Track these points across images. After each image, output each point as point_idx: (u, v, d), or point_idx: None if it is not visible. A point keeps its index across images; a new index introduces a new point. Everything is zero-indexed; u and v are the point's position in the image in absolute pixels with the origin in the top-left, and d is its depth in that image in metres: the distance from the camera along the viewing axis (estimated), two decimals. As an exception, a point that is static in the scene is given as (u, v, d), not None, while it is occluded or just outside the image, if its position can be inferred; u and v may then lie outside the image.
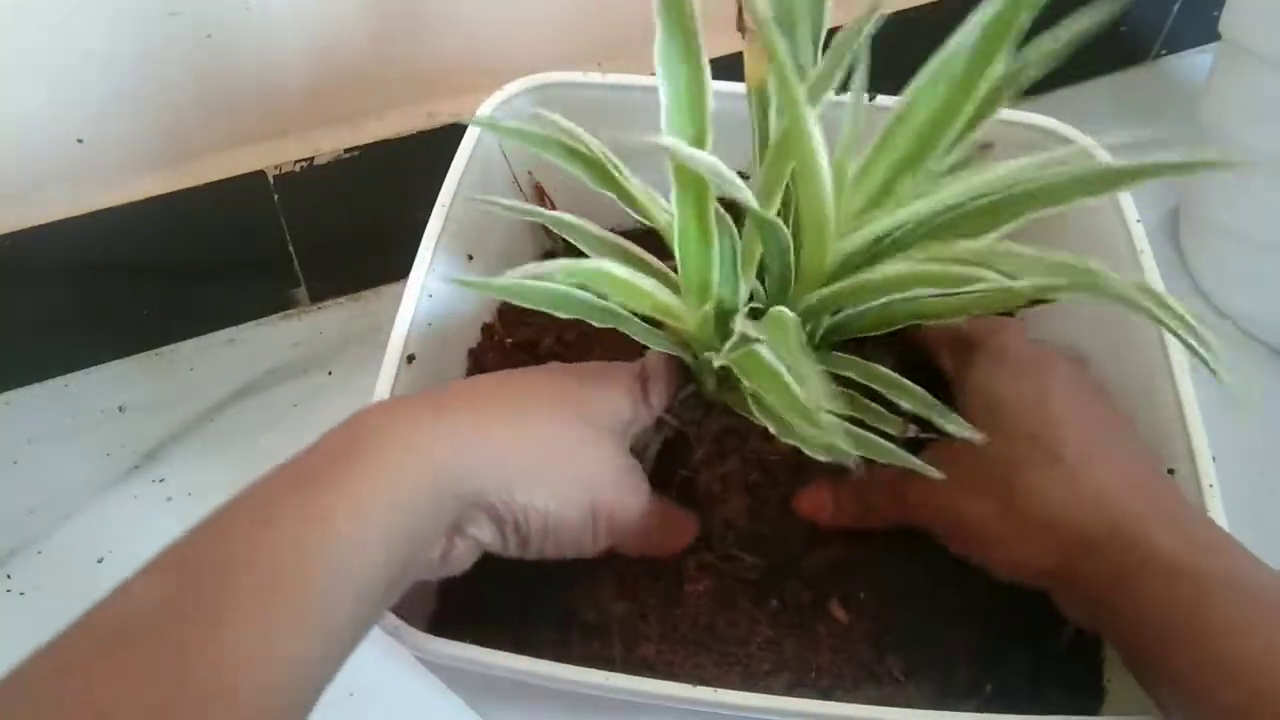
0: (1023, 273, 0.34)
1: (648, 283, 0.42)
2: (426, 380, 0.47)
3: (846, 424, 0.39)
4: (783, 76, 0.34)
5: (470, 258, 0.51)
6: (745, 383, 0.37)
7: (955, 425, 0.40)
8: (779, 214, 0.40)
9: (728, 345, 0.38)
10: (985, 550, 0.39)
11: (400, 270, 0.47)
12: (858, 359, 0.42)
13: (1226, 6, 0.63)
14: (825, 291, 0.40)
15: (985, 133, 0.38)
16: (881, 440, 0.40)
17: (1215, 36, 0.64)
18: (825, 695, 0.35)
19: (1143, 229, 0.48)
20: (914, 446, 0.41)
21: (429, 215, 0.48)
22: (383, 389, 0.42)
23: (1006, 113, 0.52)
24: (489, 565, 0.47)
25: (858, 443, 0.40)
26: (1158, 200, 0.73)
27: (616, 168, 0.42)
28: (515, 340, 0.53)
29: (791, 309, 0.41)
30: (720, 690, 0.35)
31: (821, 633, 0.43)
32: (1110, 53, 0.82)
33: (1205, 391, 0.42)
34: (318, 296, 0.69)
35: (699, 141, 0.41)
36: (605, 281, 0.40)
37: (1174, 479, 0.41)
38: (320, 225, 0.65)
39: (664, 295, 0.42)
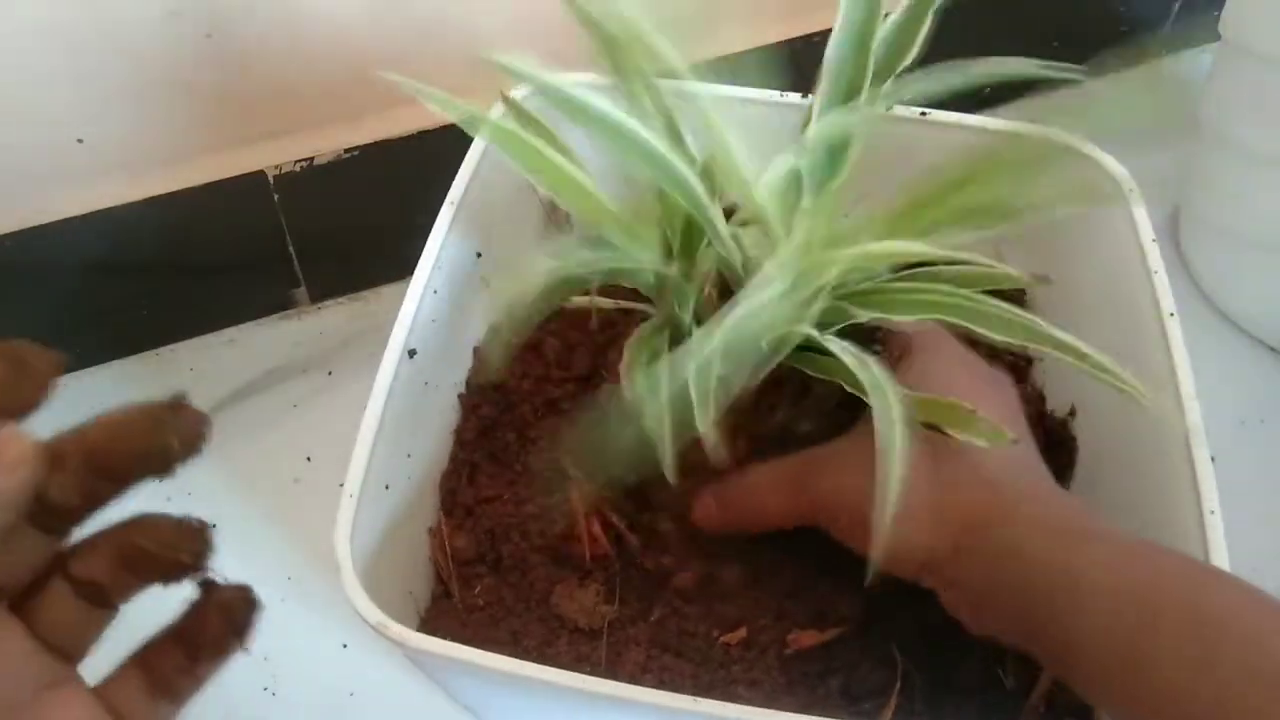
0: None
1: None
2: (428, 375, 0.47)
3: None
4: None
5: (479, 255, 0.51)
6: None
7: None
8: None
9: None
10: (863, 538, 0.37)
11: (400, 270, 0.47)
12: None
13: (1226, 6, 0.63)
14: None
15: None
16: None
17: (1215, 36, 0.64)
18: (804, 709, 0.34)
19: (1158, 250, 0.48)
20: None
21: (429, 215, 0.48)
22: (383, 382, 0.43)
23: (1007, 124, 0.52)
24: (485, 564, 0.47)
25: None
26: (1158, 201, 0.73)
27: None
28: (519, 340, 0.53)
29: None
30: (700, 700, 0.35)
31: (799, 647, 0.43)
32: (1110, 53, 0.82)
33: (1206, 390, 0.42)
34: (318, 296, 0.69)
35: None
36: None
37: (1038, 459, 0.41)
38: (320, 225, 0.65)
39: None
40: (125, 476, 0.29)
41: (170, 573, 0.29)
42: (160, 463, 0.29)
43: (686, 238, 0.42)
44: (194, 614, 0.31)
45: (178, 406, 0.28)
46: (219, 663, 0.31)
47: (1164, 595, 0.33)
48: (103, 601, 0.29)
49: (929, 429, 0.38)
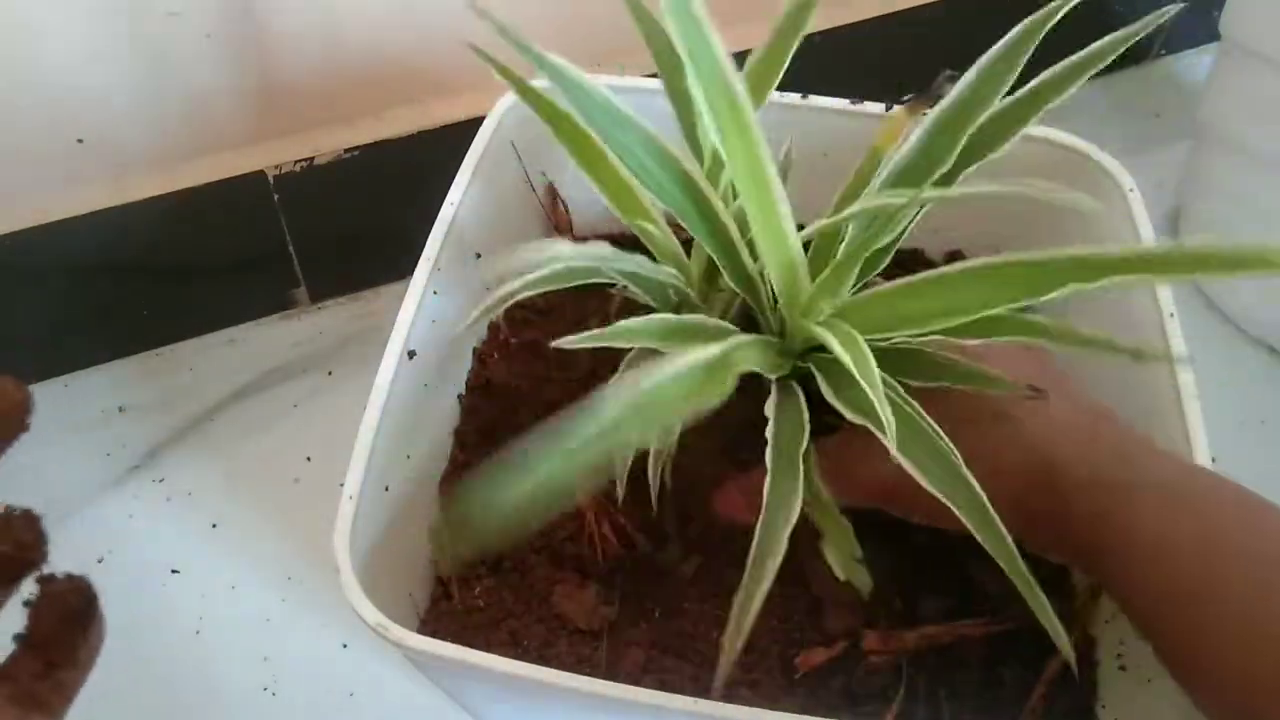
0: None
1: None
2: (428, 376, 0.47)
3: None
4: None
5: (478, 256, 0.51)
6: None
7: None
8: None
9: None
10: (938, 511, 0.38)
11: (400, 270, 0.47)
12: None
13: (1226, 6, 0.63)
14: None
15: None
16: None
17: (1215, 36, 0.64)
18: (805, 711, 0.34)
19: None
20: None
21: (429, 215, 0.48)
22: (383, 383, 0.43)
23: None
24: (485, 565, 0.47)
25: None
26: (1158, 200, 0.73)
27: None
28: (520, 341, 0.54)
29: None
30: (700, 701, 0.35)
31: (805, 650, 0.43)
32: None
33: (1207, 390, 0.42)
34: (318, 296, 0.69)
35: None
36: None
37: (1121, 420, 0.41)
38: (320, 225, 0.65)
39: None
40: None
41: (4, 570, 0.27)
42: None
43: (711, 266, 0.42)
44: (32, 615, 0.28)
45: None
46: (77, 666, 0.29)
47: (1216, 540, 0.34)
48: None
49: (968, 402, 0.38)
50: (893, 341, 0.38)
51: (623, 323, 0.37)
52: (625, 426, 0.30)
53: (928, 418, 0.37)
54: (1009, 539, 0.35)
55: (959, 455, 0.36)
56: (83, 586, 0.29)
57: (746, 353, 0.36)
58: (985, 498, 0.35)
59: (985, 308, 0.35)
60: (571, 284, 0.40)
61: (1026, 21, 0.39)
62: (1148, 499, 0.35)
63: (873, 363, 0.35)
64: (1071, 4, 0.39)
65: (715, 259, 0.39)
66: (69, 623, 0.28)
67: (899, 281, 0.38)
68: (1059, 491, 0.37)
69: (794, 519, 0.35)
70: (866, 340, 0.36)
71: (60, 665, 0.28)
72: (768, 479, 0.35)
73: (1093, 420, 0.39)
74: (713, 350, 0.33)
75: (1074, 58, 0.40)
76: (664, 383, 0.31)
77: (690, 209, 0.39)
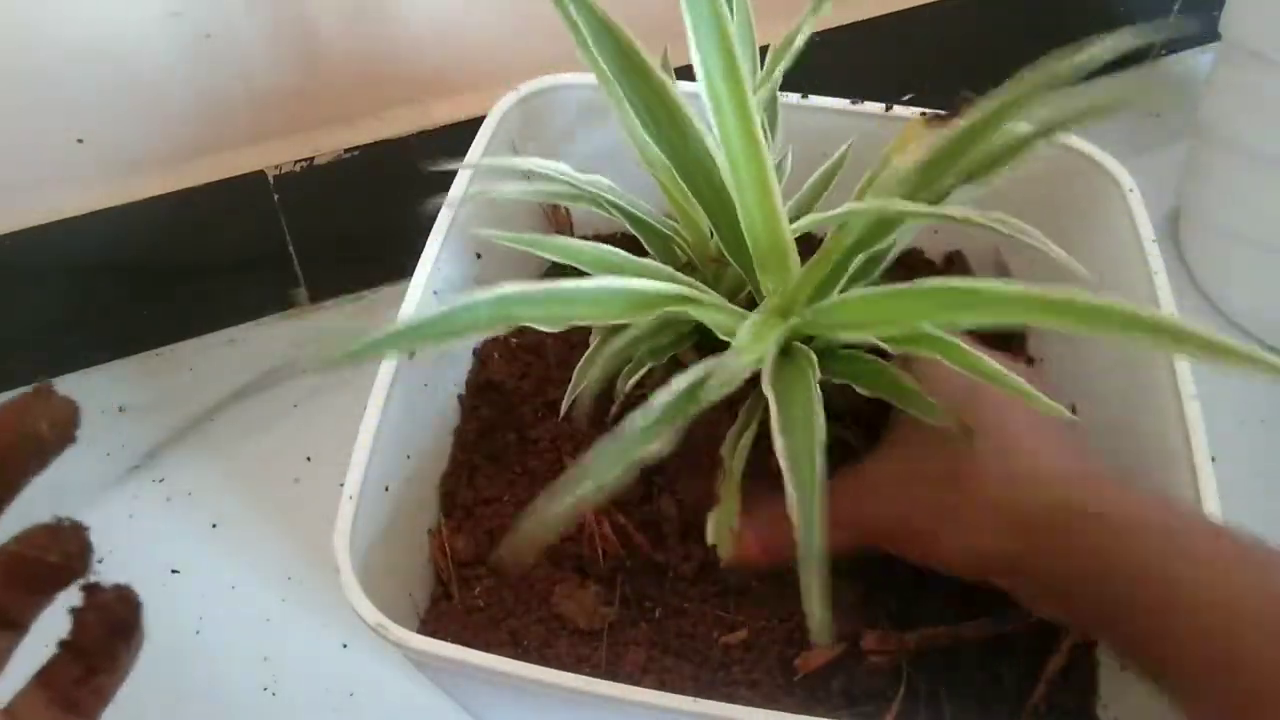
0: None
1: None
2: (428, 376, 0.47)
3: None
4: None
5: (479, 256, 0.51)
6: None
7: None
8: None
9: None
10: (935, 549, 0.38)
11: (400, 270, 0.47)
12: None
13: (1226, 6, 0.63)
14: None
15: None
16: None
17: (1215, 36, 0.64)
18: (804, 710, 0.34)
19: (1158, 250, 0.47)
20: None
21: (429, 215, 0.48)
22: (383, 383, 0.43)
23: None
24: (485, 565, 0.47)
25: None
26: (1158, 200, 0.73)
27: None
28: (521, 341, 0.53)
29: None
30: (700, 701, 0.35)
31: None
32: (1110, 53, 0.82)
33: (1206, 391, 0.42)
34: (318, 296, 0.69)
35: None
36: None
37: (1099, 456, 0.41)
38: (320, 225, 0.65)
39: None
40: (6, 474, 0.28)
41: (51, 578, 0.28)
42: (34, 450, 0.28)
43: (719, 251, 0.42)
44: (77, 622, 0.29)
45: (43, 393, 0.28)
46: (116, 672, 0.30)
47: (1259, 603, 0.32)
48: (5, 622, 0.28)
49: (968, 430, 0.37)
50: (847, 346, 0.38)
51: (567, 239, 0.37)
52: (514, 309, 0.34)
53: (818, 408, 0.35)
54: (824, 562, 0.32)
55: (825, 460, 0.34)
56: (129, 596, 0.30)
57: (703, 310, 0.37)
58: (823, 514, 0.33)
59: (913, 321, 0.36)
60: (570, 203, 0.42)
61: (1056, 65, 0.38)
62: (1196, 556, 0.34)
63: (775, 333, 0.36)
64: (1104, 56, 0.37)
65: (714, 228, 0.39)
66: (114, 632, 0.29)
67: (875, 289, 0.38)
68: (1063, 533, 0.36)
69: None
70: (827, 341, 0.37)
71: (100, 671, 0.29)
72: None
73: (1078, 451, 0.38)
74: (642, 284, 0.35)
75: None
76: (583, 291, 0.34)
77: (696, 172, 0.39)
